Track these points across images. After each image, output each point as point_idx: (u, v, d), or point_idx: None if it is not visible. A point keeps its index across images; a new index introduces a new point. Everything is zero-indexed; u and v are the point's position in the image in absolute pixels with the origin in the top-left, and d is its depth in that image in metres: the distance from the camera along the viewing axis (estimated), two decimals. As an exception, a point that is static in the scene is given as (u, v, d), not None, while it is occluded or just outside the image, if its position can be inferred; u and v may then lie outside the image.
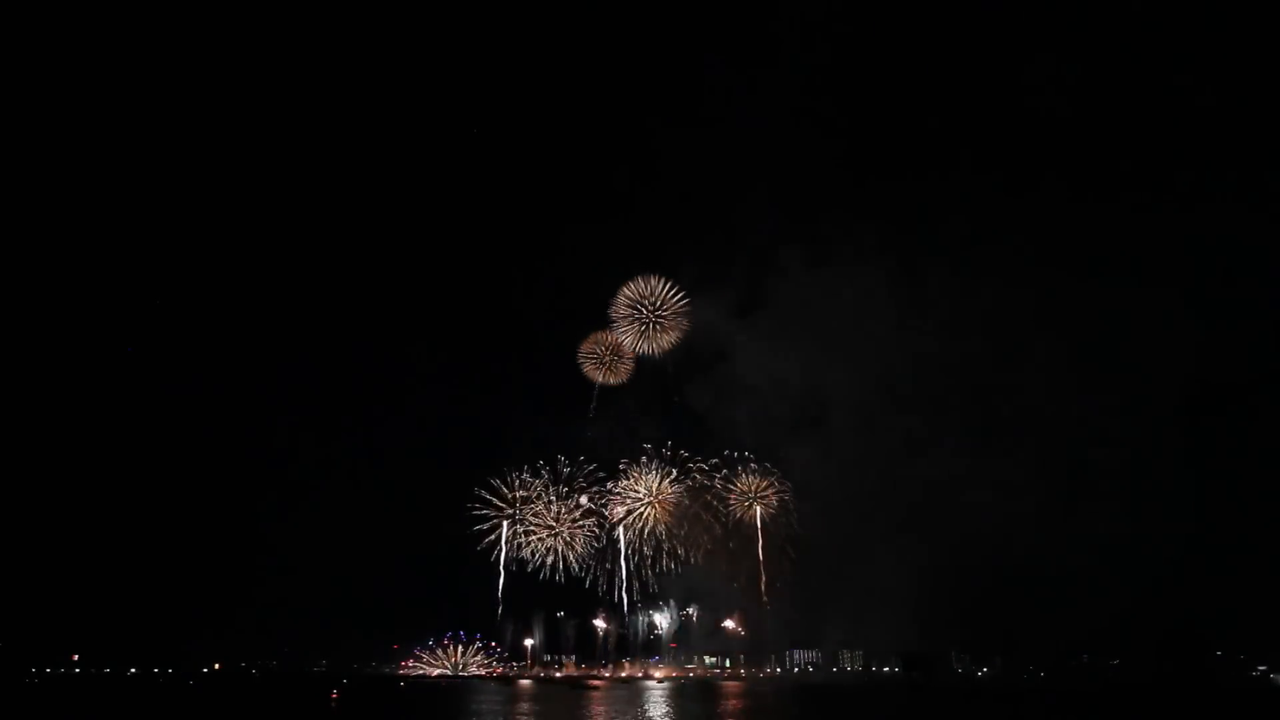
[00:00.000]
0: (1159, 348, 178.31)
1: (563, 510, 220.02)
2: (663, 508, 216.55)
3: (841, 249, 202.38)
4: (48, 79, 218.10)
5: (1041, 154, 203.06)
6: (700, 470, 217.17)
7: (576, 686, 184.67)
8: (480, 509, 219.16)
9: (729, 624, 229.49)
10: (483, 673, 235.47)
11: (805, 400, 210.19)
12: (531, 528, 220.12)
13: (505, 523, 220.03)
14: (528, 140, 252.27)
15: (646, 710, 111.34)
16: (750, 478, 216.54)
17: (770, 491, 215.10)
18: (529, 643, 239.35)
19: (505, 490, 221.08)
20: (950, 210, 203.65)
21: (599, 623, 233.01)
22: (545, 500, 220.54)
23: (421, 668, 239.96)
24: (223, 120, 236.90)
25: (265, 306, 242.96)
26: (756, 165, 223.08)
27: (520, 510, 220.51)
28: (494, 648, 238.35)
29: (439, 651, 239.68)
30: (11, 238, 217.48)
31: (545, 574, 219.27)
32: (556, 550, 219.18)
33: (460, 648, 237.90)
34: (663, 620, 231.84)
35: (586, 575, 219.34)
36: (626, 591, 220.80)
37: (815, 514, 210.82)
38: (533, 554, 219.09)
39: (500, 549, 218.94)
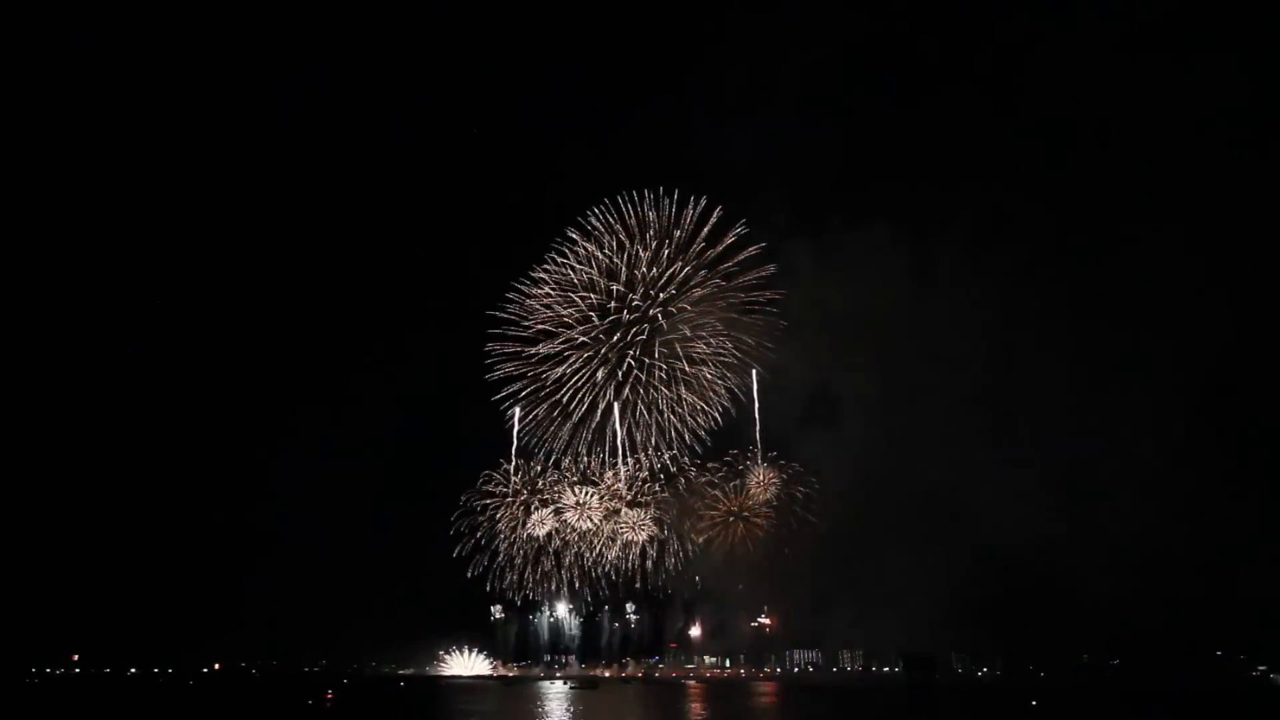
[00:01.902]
0: (1179, 342, 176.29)
1: (568, 508, 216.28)
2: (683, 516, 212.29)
3: (851, 246, 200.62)
4: (48, 79, 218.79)
5: (1053, 149, 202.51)
6: (710, 468, 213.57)
7: (577, 686, 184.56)
8: (480, 506, 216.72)
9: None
10: (482, 672, 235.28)
11: (814, 398, 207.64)
12: (534, 527, 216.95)
13: (507, 520, 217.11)
14: (530, 137, 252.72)
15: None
16: (758, 477, 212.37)
17: (779, 489, 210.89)
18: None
19: (508, 486, 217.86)
20: (960, 206, 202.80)
21: (603, 621, 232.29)
22: (548, 496, 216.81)
23: (427, 668, 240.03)
24: (222, 120, 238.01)
25: (263, 306, 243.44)
26: (765, 161, 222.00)
27: (523, 507, 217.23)
28: (494, 647, 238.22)
29: (440, 652, 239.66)
30: (12, 238, 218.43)
31: (547, 572, 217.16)
32: (558, 550, 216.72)
33: (466, 648, 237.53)
34: (664, 619, 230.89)
35: (590, 574, 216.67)
36: (631, 591, 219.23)
37: (824, 512, 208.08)
38: (536, 552, 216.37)
39: (501, 546, 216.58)
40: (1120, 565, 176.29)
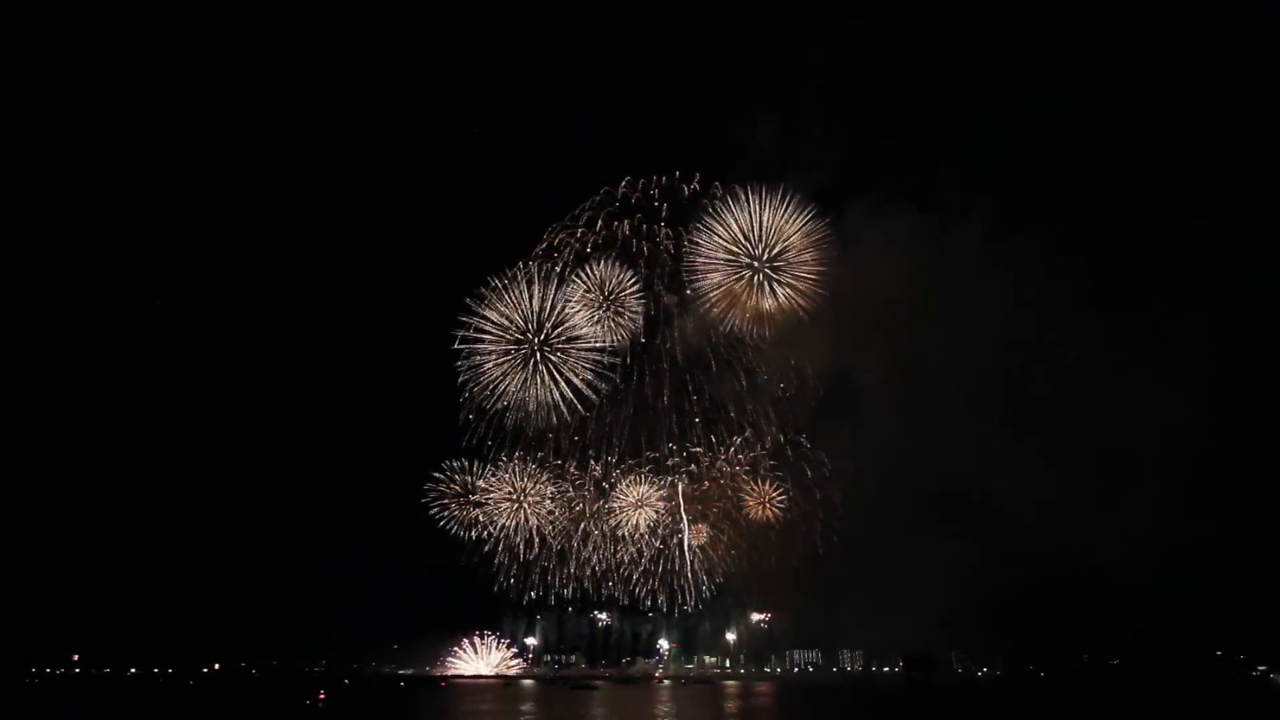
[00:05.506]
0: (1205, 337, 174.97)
1: (574, 503, 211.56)
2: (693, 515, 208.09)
3: (872, 233, 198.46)
4: (48, 79, 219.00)
5: (1073, 139, 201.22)
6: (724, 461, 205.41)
7: (576, 686, 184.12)
8: (482, 501, 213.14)
9: (758, 617, 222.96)
10: (483, 672, 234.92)
11: (831, 389, 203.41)
12: (540, 520, 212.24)
13: (508, 515, 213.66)
14: (535, 134, 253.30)
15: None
16: (770, 477, 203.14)
17: (789, 488, 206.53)
18: (530, 641, 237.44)
19: (511, 481, 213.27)
20: (983, 194, 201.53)
21: (606, 620, 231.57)
22: (551, 492, 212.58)
23: (428, 668, 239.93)
24: (221, 120, 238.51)
25: (263, 305, 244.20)
26: (786, 149, 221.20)
27: (526, 503, 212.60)
28: (499, 646, 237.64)
29: (441, 652, 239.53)
30: (12, 238, 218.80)
31: (549, 569, 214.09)
32: (562, 546, 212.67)
33: (469, 646, 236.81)
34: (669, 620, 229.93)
35: (594, 574, 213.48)
36: (634, 591, 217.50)
37: (839, 508, 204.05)
38: (539, 548, 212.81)
39: (503, 543, 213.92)
40: (1126, 564, 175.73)
